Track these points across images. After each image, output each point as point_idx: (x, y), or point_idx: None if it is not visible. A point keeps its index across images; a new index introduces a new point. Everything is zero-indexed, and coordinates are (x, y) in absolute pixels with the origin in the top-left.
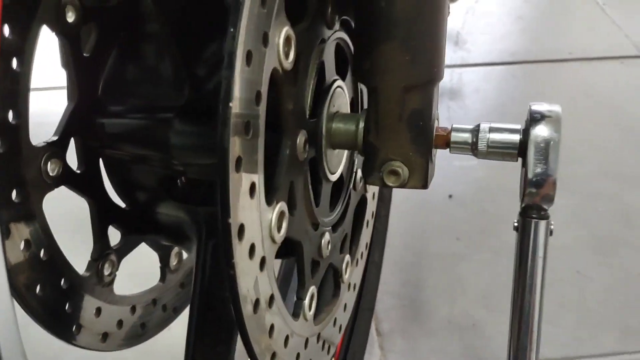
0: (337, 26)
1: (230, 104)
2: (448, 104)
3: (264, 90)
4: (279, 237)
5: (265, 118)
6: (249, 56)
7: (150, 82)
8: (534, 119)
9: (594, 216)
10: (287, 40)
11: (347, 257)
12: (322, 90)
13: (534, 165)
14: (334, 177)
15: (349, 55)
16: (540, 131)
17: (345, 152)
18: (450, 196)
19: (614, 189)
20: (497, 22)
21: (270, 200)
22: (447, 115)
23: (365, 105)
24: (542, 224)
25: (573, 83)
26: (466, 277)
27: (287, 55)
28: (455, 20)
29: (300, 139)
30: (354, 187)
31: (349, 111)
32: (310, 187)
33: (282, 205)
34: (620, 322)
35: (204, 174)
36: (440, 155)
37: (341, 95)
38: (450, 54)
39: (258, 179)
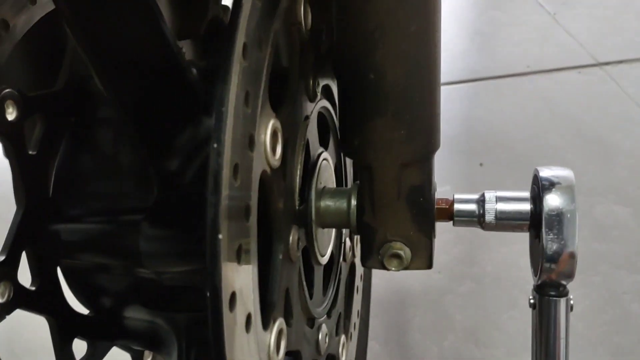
0: (319, 96)
1: (220, 236)
2: None
3: (254, 201)
4: (279, 359)
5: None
6: (235, 170)
7: (110, 179)
8: (544, 187)
9: None
10: (274, 134)
11: (343, 338)
12: (308, 169)
13: (549, 239)
14: (324, 260)
15: (331, 122)
16: (553, 201)
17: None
18: None
19: (585, 204)
20: (454, 39)
21: (267, 322)
22: None
23: (350, 173)
24: (562, 301)
25: (533, 96)
26: (452, 312)
27: (274, 152)
28: None
29: (294, 237)
30: (344, 259)
31: (334, 183)
32: (304, 284)
33: (280, 323)
34: (610, 344)
35: (180, 281)
36: None
37: (327, 167)
38: None
39: (254, 306)
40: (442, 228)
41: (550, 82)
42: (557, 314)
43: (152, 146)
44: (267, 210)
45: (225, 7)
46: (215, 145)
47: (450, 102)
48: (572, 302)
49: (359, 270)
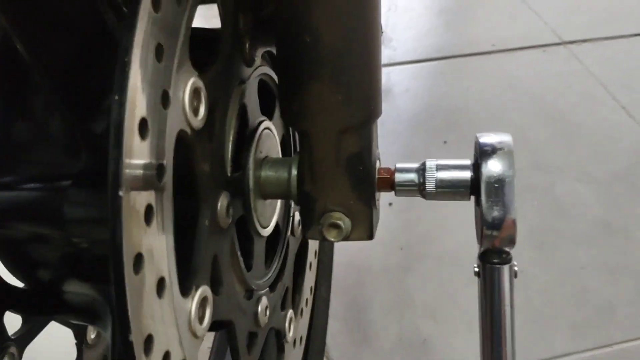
0: (258, 62)
1: (120, 193)
2: None
3: (169, 159)
4: (203, 329)
5: (176, 186)
6: (143, 124)
7: (40, 146)
8: (484, 153)
9: (531, 211)
10: (195, 93)
11: (290, 313)
12: (246, 136)
13: (490, 206)
14: (267, 231)
15: (276, 91)
16: (493, 167)
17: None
18: (390, 204)
19: (546, 181)
20: (420, 17)
21: (187, 289)
22: (379, 119)
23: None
24: (505, 268)
25: (498, 75)
26: (412, 289)
27: (195, 112)
28: None
29: (222, 203)
30: (293, 233)
31: (279, 153)
32: (239, 253)
33: (203, 290)
34: (567, 319)
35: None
36: None
37: (269, 137)
38: None
39: (168, 271)
40: (404, 207)
41: (515, 60)
42: (501, 281)
43: (77, 110)
44: (191, 174)
45: None
46: (116, 97)
47: (416, 80)
48: (516, 268)
49: (313, 246)
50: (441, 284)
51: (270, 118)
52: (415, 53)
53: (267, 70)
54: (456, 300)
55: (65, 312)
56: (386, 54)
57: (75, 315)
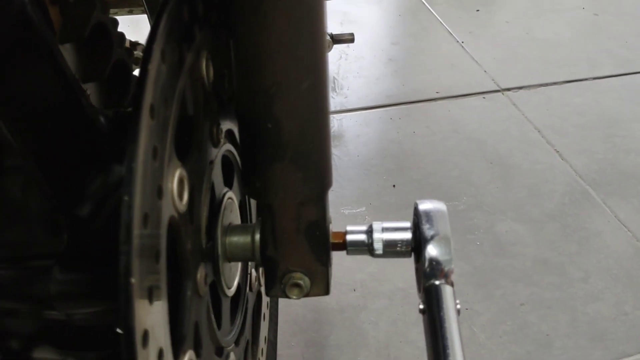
0: (222, 141)
1: (132, 281)
2: (332, 152)
3: (163, 245)
4: None
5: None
6: (145, 219)
7: (20, 226)
8: (421, 217)
9: (474, 250)
10: (181, 182)
11: None
12: (214, 208)
13: (429, 260)
14: (232, 292)
15: (235, 163)
16: (430, 230)
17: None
18: None
19: (487, 221)
20: (370, 65)
21: (177, 355)
22: (333, 164)
23: (254, 207)
24: (448, 287)
25: (442, 121)
26: (366, 328)
27: (181, 197)
28: (330, 66)
29: (201, 273)
30: (250, 289)
31: (239, 218)
32: (212, 316)
33: (190, 355)
34: (509, 353)
35: (91, 321)
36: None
37: (232, 205)
38: None
39: (164, 341)
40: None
41: (458, 107)
42: (446, 299)
43: (63, 194)
44: (177, 250)
45: (130, 50)
46: (126, 198)
47: (366, 126)
48: (459, 307)
49: (265, 297)
50: (392, 321)
51: (230, 187)
52: (365, 100)
53: (229, 147)
54: (408, 338)
55: None
56: (338, 101)
57: None
